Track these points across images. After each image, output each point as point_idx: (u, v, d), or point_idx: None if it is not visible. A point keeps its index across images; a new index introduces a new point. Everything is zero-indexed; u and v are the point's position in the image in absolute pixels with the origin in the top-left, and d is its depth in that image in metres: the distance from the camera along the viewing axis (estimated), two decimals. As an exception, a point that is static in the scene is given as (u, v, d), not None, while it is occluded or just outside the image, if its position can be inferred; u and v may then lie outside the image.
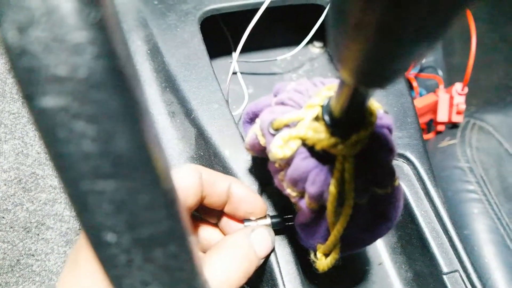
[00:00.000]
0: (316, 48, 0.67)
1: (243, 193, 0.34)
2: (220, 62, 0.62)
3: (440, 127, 0.71)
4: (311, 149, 0.28)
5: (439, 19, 0.16)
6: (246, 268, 0.30)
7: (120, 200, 0.18)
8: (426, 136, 0.73)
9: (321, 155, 0.28)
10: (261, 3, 0.52)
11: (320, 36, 0.65)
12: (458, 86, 0.68)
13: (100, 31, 0.18)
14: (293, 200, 0.31)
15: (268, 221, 0.36)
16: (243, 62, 0.63)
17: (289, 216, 0.37)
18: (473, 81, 1.37)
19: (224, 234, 0.37)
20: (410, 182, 0.42)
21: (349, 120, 0.26)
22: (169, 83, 0.48)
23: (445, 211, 0.40)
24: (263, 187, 0.40)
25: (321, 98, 0.29)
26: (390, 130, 0.29)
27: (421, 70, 0.80)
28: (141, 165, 0.19)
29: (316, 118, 0.28)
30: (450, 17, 0.16)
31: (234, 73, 0.63)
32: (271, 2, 0.52)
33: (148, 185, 0.19)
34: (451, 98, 0.68)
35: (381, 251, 0.44)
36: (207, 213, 0.37)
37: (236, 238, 0.32)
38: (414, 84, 0.75)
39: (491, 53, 1.43)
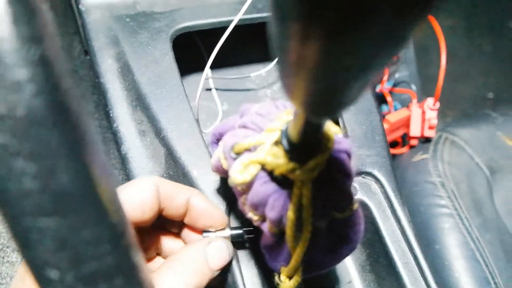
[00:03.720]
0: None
1: (202, 206, 0.35)
2: (196, 78, 0.63)
3: (413, 142, 0.72)
4: (271, 174, 0.29)
5: (375, 59, 0.17)
6: (198, 281, 0.30)
7: (62, 237, 0.18)
8: (400, 150, 0.74)
9: (281, 180, 0.29)
10: (232, 20, 0.52)
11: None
12: (430, 101, 0.69)
13: (40, 67, 0.17)
14: (255, 223, 0.31)
15: (227, 233, 0.36)
16: (218, 78, 0.63)
17: (250, 228, 0.37)
18: (450, 93, 1.40)
19: (186, 243, 0.37)
20: (378, 201, 0.43)
21: (306, 146, 0.27)
22: (139, 102, 0.48)
23: (411, 230, 0.40)
24: (231, 207, 0.40)
25: (281, 122, 0.29)
26: (348, 155, 0.29)
27: (396, 85, 0.81)
28: (84, 201, 0.18)
29: (276, 143, 0.29)
30: (380, 58, 0.16)
31: (209, 89, 0.63)
32: (241, 19, 0.52)
33: (92, 221, 0.19)
34: (423, 113, 0.69)
35: (350, 270, 0.45)
36: (168, 223, 0.37)
37: (191, 250, 0.32)
38: (389, 98, 0.76)
39: (467, 65, 1.46)
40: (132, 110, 0.49)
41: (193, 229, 0.36)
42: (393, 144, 0.78)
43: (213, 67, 0.64)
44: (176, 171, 0.44)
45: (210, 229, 0.35)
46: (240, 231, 0.36)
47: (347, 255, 0.33)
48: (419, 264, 0.39)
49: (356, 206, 0.30)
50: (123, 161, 0.48)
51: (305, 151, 0.27)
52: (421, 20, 0.14)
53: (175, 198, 0.34)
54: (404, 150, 0.73)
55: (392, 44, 0.15)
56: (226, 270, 0.36)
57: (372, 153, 0.45)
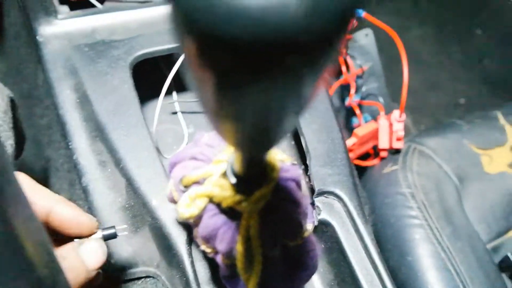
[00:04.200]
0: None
1: (67, 214, 0.34)
2: (162, 102, 0.62)
3: (383, 153, 0.73)
4: (220, 206, 0.28)
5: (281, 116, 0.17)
6: (73, 279, 0.30)
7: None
8: (371, 162, 0.75)
9: (230, 212, 0.28)
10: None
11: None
12: (396, 113, 0.70)
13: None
14: (209, 256, 0.31)
15: (99, 234, 0.35)
16: (183, 102, 0.63)
17: (123, 226, 0.37)
18: (423, 101, 1.43)
19: None
20: (341, 220, 0.43)
21: (251, 177, 0.27)
22: (98, 132, 0.47)
23: (375, 248, 0.40)
24: (192, 237, 0.39)
25: (228, 154, 0.29)
26: (297, 183, 0.29)
27: (364, 97, 0.82)
28: None
29: (224, 174, 0.28)
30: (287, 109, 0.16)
31: (175, 112, 0.63)
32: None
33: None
34: (391, 125, 0.70)
35: (318, 290, 0.44)
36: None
37: (62, 251, 0.32)
38: (357, 111, 0.77)
39: (438, 73, 1.49)
40: (92, 140, 0.48)
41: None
42: (365, 156, 0.79)
43: (179, 90, 0.64)
44: (137, 201, 0.43)
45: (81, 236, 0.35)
46: (112, 231, 0.36)
47: (306, 280, 0.32)
48: (383, 282, 0.39)
49: (307, 233, 0.29)
50: (84, 192, 0.47)
51: (250, 182, 0.27)
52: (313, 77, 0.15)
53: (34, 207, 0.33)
54: (375, 162, 0.74)
55: (291, 95, 0.16)
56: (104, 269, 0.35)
57: (334, 172, 0.45)
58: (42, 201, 0.33)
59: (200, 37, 0.13)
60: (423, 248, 0.58)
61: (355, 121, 0.80)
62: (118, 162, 0.45)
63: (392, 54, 1.47)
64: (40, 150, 0.76)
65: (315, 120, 0.49)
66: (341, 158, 0.46)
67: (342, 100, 0.86)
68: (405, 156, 0.69)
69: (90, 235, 0.35)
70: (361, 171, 0.77)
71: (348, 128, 0.86)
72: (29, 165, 0.81)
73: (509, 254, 0.60)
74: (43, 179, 0.72)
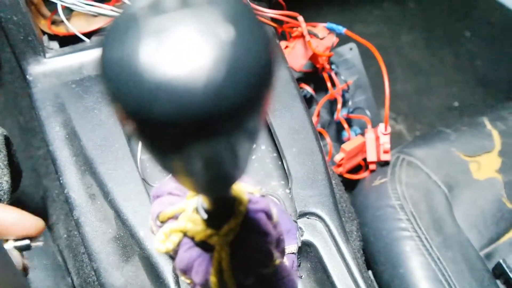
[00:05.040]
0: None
1: (8, 219, 0.35)
2: None
3: (372, 166, 0.74)
4: (194, 239, 0.30)
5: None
6: None
7: None
8: (361, 176, 0.76)
9: (204, 244, 0.30)
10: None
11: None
12: (381, 126, 0.71)
13: None
14: (190, 286, 0.32)
15: (11, 245, 0.36)
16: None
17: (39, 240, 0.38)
18: (417, 106, 1.43)
19: None
20: (324, 240, 0.44)
21: (220, 212, 0.28)
22: (87, 166, 0.49)
23: (356, 267, 0.42)
24: (178, 265, 0.41)
25: (200, 189, 0.31)
26: (266, 213, 0.31)
27: (352, 111, 0.84)
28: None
29: (196, 209, 0.30)
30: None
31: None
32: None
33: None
34: (377, 138, 0.71)
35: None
36: None
37: None
38: (345, 126, 0.79)
39: (431, 77, 1.50)
40: (82, 174, 0.50)
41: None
42: (358, 169, 0.80)
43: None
44: (126, 232, 0.45)
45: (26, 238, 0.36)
46: (26, 242, 0.37)
47: (286, 304, 0.34)
48: (365, 300, 0.40)
49: (278, 261, 0.31)
50: (76, 225, 0.48)
51: (219, 217, 0.28)
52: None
53: None
54: (365, 175, 0.75)
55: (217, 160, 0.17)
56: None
57: (315, 193, 0.46)
58: None
59: (118, 109, 0.15)
60: (414, 260, 0.59)
61: (345, 134, 0.82)
62: (106, 195, 0.46)
63: (384, 58, 1.49)
64: (39, 180, 0.78)
65: (296, 144, 0.51)
66: (322, 179, 0.47)
67: (332, 113, 0.88)
68: (393, 168, 0.71)
69: (37, 235, 0.36)
70: (353, 184, 0.78)
71: (340, 142, 0.87)
72: (28, 195, 0.83)
73: (501, 261, 0.60)
74: (42, 209, 0.74)
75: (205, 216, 0.28)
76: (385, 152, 0.70)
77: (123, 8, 0.16)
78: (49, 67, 0.58)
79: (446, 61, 1.53)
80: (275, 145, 0.54)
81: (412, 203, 0.65)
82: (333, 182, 0.58)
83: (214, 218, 0.28)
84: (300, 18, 0.67)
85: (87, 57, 0.60)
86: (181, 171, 0.19)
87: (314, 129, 0.52)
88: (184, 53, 0.14)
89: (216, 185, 0.22)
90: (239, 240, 0.29)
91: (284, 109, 0.56)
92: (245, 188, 0.30)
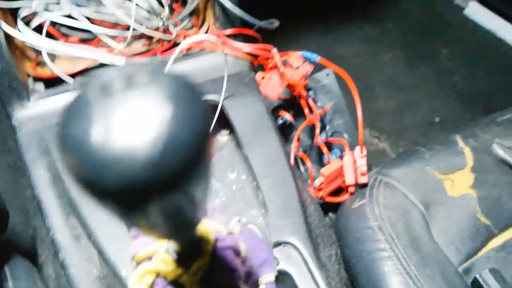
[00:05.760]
0: (224, 137, 0.72)
1: None
2: None
3: (351, 189, 0.76)
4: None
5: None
6: None
7: None
8: (342, 198, 0.78)
9: (175, 283, 0.32)
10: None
11: (226, 124, 0.70)
12: (358, 149, 0.74)
13: None
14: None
15: None
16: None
17: None
18: (400, 123, 1.47)
19: None
20: (299, 268, 0.46)
21: (188, 252, 0.30)
22: (71, 208, 0.51)
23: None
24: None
25: (171, 230, 0.33)
26: (234, 250, 0.33)
27: (331, 134, 0.87)
28: None
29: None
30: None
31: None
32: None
33: None
34: (355, 161, 0.74)
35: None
36: None
37: None
38: (324, 150, 0.81)
39: (412, 93, 1.54)
40: (66, 216, 0.52)
41: None
42: (339, 191, 0.82)
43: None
44: (109, 271, 0.47)
45: None
46: None
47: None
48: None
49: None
50: (62, 267, 0.50)
51: (189, 257, 0.30)
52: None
53: None
54: (345, 197, 0.77)
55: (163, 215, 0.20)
56: None
57: (289, 222, 0.49)
58: None
59: (74, 178, 0.18)
60: (393, 280, 0.61)
61: (326, 158, 0.84)
62: (89, 236, 0.48)
63: (365, 78, 1.53)
64: (27, 219, 0.79)
65: (270, 175, 0.53)
66: (295, 208, 0.50)
67: (312, 137, 0.90)
68: (371, 189, 0.73)
69: None
70: (335, 207, 0.80)
71: (322, 165, 0.90)
72: (18, 234, 0.84)
73: (477, 276, 0.62)
74: (31, 248, 0.75)
75: (176, 256, 0.31)
76: (363, 174, 0.73)
77: (79, 91, 0.19)
78: (34, 111, 0.61)
79: (426, 78, 1.57)
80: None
81: (390, 223, 0.67)
82: (312, 207, 0.61)
83: (183, 258, 0.30)
84: (274, 50, 0.71)
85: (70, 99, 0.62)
86: (140, 225, 0.21)
87: (288, 159, 0.55)
88: (127, 132, 0.17)
89: (178, 231, 0.25)
90: (208, 278, 0.31)
91: (259, 141, 0.58)
92: (211, 227, 0.32)
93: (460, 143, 0.79)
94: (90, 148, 0.17)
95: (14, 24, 0.68)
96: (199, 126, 0.18)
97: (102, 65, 0.70)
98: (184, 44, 0.63)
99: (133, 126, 0.17)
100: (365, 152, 0.74)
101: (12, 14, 0.69)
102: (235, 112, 0.62)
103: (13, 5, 0.67)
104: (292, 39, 1.58)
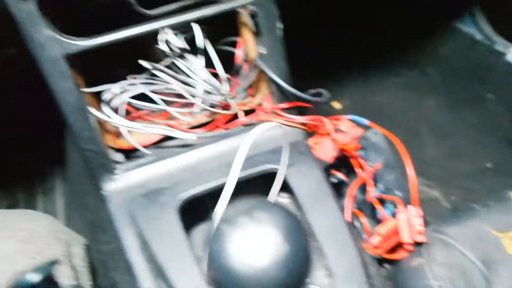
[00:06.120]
0: (284, 199, 0.78)
1: None
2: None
3: (408, 247, 0.78)
4: None
5: None
6: None
7: None
8: (400, 255, 0.80)
9: None
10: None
11: (285, 188, 0.75)
12: (411, 209, 0.77)
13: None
14: None
15: None
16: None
17: None
18: (449, 171, 1.46)
19: None
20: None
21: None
22: (158, 272, 0.58)
23: None
24: None
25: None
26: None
27: (383, 191, 0.90)
28: None
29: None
30: None
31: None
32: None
33: None
34: (409, 219, 0.76)
35: None
36: None
37: None
38: (378, 207, 0.85)
39: (459, 140, 1.53)
40: (154, 279, 0.59)
41: None
42: (397, 246, 0.84)
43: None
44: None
45: None
46: None
47: None
48: None
49: None
50: None
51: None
52: None
53: None
54: (403, 255, 0.79)
55: None
56: None
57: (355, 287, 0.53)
58: None
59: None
60: None
61: (379, 213, 0.87)
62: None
63: (409, 125, 1.54)
64: (107, 272, 0.87)
65: (333, 239, 0.58)
66: (359, 271, 0.54)
67: (364, 192, 0.94)
68: (428, 248, 0.75)
69: None
70: (393, 264, 0.82)
71: (375, 219, 0.92)
72: (98, 285, 0.91)
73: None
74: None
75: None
76: (419, 233, 0.75)
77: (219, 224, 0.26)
78: (120, 184, 0.70)
79: (472, 123, 1.56)
80: None
81: (451, 282, 0.69)
82: (370, 263, 0.64)
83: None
84: (325, 120, 0.78)
85: (150, 172, 0.71)
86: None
87: (348, 226, 0.60)
88: (255, 256, 0.23)
89: None
90: None
91: (319, 207, 0.64)
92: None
93: (515, 199, 0.80)
94: (231, 264, 0.23)
95: (96, 103, 0.78)
96: (305, 251, 0.24)
97: (172, 138, 0.78)
98: (256, 132, 0.68)
99: (259, 252, 0.23)
100: (420, 212, 0.77)
101: (94, 96, 0.79)
102: (296, 180, 0.68)
103: (97, 89, 0.77)
104: (334, 87, 1.63)
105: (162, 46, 0.78)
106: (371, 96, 1.63)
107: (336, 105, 1.55)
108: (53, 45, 0.61)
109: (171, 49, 0.78)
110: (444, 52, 1.69)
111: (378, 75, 1.71)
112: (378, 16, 1.69)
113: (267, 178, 0.72)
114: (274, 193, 0.70)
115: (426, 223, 0.80)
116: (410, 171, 0.75)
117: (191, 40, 0.80)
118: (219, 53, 0.82)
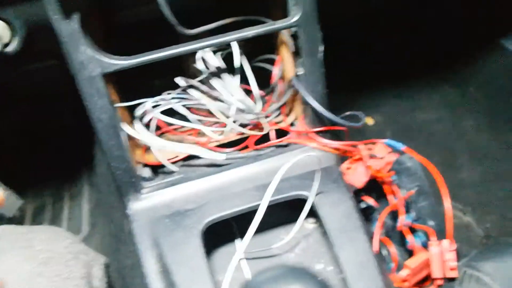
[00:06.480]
0: (310, 224, 0.75)
1: None
2: (229, 248, 0.70)
3: (439, 282, 0.74)
4: None
5: None
6: None
7: None
8: (429, 290, 0.76)
9: None
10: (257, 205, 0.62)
11: (312, 213, 0.73)
12: (445, 243, 0.73)
13: None
14: None
15: None
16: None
17: None
18: (486, 196, 1.38)
19: None
20: None
21: None
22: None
23: None
24: None
25: None
26: None
27: (415, 220, 0.86)
28: None
29: None
30: None
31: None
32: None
33: None
34: (442, 253, 0.72)
35: None
36: None
37: None
38: (408, 236, 0.81)
39: (499, 163, 1.45)
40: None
41: None
42: (425, 278, 0.80)
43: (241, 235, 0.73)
44: None
45: None
46: None
47: None
48: None
49: None
50: None
51: None
52: None
53: None
54: (433, 289, 0.75)
55: None
56: None
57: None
58: None
59: None
60: None
61: (409, 242, 0.83)
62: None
63: (446, 144, 1.47)
64: (125, 284, 0.87)
65: (360, 277, 0.55)
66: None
67: (395, 219, 0.90)
68: (461, 284, 0.71)
69: None
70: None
71: (404, 247, 0.88)
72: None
73: None
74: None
75: None
76: (452, 269, 0.71)
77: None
78: (145, 203, 0.70)
79: (512, 146, 1.48)
80: None
81: (485, 327, 0.64)
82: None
83: None
84: (361, 146, 0.75)
85: (177, 193, 0.71)
86: None
87: (376, 259, 0.57)
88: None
89: None
90: None
91: (348, 239, 0.61)
92: None
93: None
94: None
95: (128, 117, 0.78)
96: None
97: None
98: (293, 161, 0.66)
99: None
100: (454, 245, 0.72)
101: (127, 109, 0.80)
102: (325, 208, 0.66)
103: (131, 103, 0.77)
104: (371, 104, 1.58)
105: (199, 65, 0.77)
106: (409, 112, 1.57)
107: (369, 120, 1.51)
108: (93, 65, 0.61)
109: (207, 67, 0.78)
110: (488, 70, 1.61)
111: (415, 91, 1.65)
112: (420, 29, 1.63)
113: (296, 203, 0.70)
114: (301, 220, 0.68)
115: (459, 255, 0.76)
116: (447, 203, 0.72)
117: (227, 57, 0.80)
118: (254, 69, 0.81)
